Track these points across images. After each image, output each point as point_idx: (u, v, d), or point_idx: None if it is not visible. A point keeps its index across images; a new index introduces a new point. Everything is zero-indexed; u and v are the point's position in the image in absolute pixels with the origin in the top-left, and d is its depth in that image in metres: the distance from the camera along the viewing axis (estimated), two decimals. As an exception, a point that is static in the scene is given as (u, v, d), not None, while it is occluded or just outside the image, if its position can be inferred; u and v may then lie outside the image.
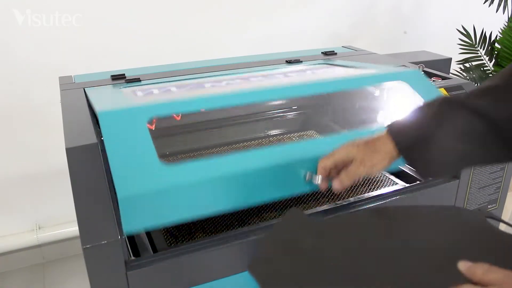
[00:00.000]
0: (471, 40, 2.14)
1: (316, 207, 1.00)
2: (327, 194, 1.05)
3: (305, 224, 0.66)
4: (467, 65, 2.21)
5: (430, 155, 0.70)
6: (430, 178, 1.00)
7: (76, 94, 1.09)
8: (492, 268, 0.48)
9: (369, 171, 0.74)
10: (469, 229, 0.64)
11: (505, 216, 1.54)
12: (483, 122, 0.67)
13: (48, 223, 2.01)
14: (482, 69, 2.18)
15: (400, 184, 1.07)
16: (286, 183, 0.80)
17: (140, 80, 1.15)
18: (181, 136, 1.29)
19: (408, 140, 0.73)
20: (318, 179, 0.78)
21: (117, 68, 1.25)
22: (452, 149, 0.70)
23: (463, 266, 0.50)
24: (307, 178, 0.80)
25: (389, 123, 0.77)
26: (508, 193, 1.16)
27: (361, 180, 0.88)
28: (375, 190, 1.04)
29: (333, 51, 1.44)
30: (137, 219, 0.68)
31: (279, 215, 0.99)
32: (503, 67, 2.15)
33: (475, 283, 0.48)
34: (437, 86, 1.14)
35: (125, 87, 1.10)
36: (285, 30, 2.10)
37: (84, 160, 0.76)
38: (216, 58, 1.38)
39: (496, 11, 2.12)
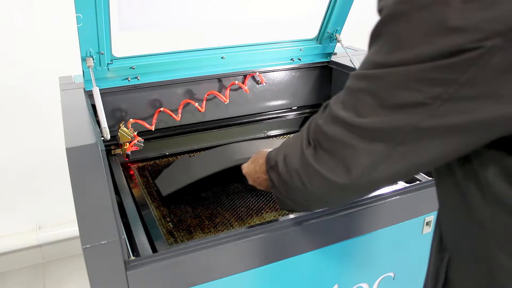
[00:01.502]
0: (471, 40, 2.13)
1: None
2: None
3: (187, 159, 1.22)
4: (467, 65, 2.21)
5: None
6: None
7: (76, 94, 1.09)
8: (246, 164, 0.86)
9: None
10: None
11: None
12: None
13: (48, 223, 2.01)
14: (482, 69, 2.18)
15: (400, 184, 1.07)
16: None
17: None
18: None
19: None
20: None
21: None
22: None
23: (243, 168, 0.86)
24: None
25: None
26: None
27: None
28: (375, 190, 1.04)
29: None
30: None
31: (279, 215, 0.99)
32: (503, 67, 2.14)
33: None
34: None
35: None
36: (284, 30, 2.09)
37: (84, 160, 0.76)
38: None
39: (496, 11, 2.12)
